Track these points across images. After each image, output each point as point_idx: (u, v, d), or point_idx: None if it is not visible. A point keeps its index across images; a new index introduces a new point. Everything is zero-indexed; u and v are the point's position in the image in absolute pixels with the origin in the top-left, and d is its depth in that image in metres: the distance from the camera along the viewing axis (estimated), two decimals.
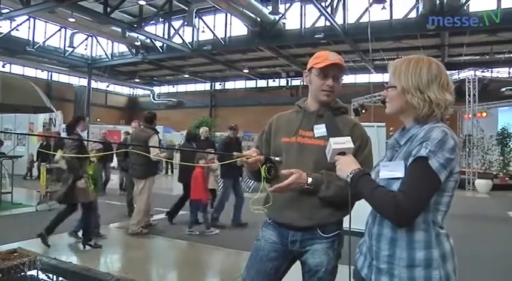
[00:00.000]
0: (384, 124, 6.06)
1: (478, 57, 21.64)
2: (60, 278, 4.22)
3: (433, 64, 1.51)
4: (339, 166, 1.62)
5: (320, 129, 1.94)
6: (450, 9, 15.46)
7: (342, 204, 1.90)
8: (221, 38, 21.27)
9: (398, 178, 1.42)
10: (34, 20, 22.30)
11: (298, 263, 2.06)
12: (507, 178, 14.80)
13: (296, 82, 29.20)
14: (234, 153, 2.00)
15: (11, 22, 20.10)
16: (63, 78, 30.92)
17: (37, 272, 4.25)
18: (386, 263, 1.47)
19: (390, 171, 1.47)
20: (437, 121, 1.47)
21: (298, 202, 1.93)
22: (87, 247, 5.25)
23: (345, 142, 1.66)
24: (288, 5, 19.23)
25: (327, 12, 16.36)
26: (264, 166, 1.95)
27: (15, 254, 4.49)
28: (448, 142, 1.38)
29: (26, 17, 20.73)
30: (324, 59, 1.97)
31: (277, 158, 1.99)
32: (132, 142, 6.96)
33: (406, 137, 1.52)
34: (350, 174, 1.54)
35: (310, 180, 1.88)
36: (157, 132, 6.42)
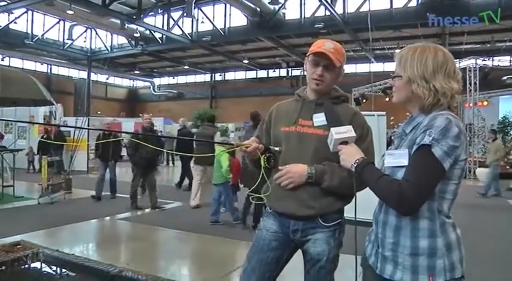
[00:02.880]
0: (384, 113, 6.05)
1: (479, 45, 21.54)
2: (63, 270, 4.27)
3: (439, 52, 1.49)
4: (342, 156, 1.61)
5: (319, 118, 1.93)
6: None
7: (343, 193, 1.90)
8: (221, 29, 21.16)
9: (403, 166, 1.42)
10: (32, 13, 22.17)
11: (299, 252, 2.07)
12: (508, 167, 14.79)
13: (296, 72, 29.14)
14: (234, 142, 2.00)
15: (8, 15, 20.00)
16: (63, 71, 30.87)
17: (40, 264, 4.30)
18: (391, 250, 1.47)
19: (395, 159, 1.46)
20: (443, 109, 1.46)
21: (299, 192, 1.92)
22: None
23: (347, 131, 1.64)
24: None
25: (327, 2, 16.25)
26: (263, 156, 1.96)
27: (18, 246, 4.54)
28: (452, 130, 1.36)
29: (24, 9, 20.62)
30: (316, 47, 1.96)
31: (276, 148, 1.99)
32: (198, 138, 7.86)
33: (412, 125, 1.51)
34: (354, 164, 1.53)
35: (310, 169, 1.88)
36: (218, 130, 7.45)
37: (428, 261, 1.40)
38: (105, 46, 26.03)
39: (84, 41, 26.04)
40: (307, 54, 2.01)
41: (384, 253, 1.50)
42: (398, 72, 1.53)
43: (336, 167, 1.83)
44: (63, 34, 24.20)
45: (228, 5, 20.44)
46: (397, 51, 1.59)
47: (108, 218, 6.70)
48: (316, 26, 18.25)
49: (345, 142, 1.63)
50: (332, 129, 1.66)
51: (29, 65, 27.58)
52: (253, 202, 6.43)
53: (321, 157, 1.89)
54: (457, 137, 1.37)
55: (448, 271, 1.40)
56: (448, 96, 1.46)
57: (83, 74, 29.04)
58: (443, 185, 1.42)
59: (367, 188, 1.51)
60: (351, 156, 1.57)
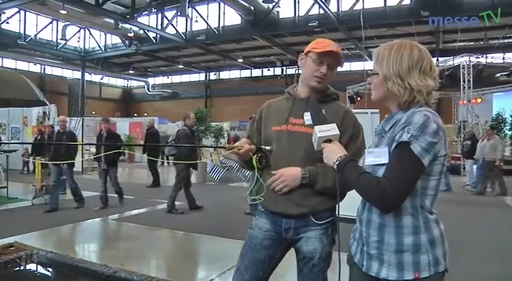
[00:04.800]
0: (377, 111, 6.05)
1: (472, 43, 21.64)
2: (58, 272, 4.25)
3: (414, 49, 1.49)
4: (325, 154, 1.62)
5: (309, 116, 1.93)
6: None
7: (335, 192, 1.90)
8: (215, 28, 21.13)
9: (383, 164, 1.43)
10: (25, 13, 22.04)
11: (292, 250, 2.07)
12: (502, 163, 14.85)
13: (291, 71, 29.18)
14: (226, 145, 1.99)
15: (0, 15, 19.87)
16: (57, 71, 30.73)
17: (36, 266, 4.28)
18: (376, 248, 1.49)
19: (375, 157, 1.48)
20: (421, 106, 1.47)
21: (290, 191, 1.92)
22: None
23: (330, 129, 1.65)
24: None
25: (321, 0, 16.26)
26: (255, 156, 1.95)
27: (11, 248, 4.52)
28: (430, 126, 1.37)
29: (16, 9, 20.49)
30: (323, 46, 1.96)
31: (267, 148, 1.99)
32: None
33: (391, 123, 1.52)
34: (336, 161, 1.54)
35: (304, 171, 1.88)
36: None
37: (413, 257, 1.42)
38: (99, 46, 25.92)
39: (78, 41, 25.93)
40: (308, 51, 2.00)
41: (369, 251, 1.51)
42: (376, 69, 1.54)
43: (328, 168, 1.83)
44: (57, 34, 24.06)
45: (222, 4, 20.41)
46: (375, 49, 1.59)
47: (102, 218, 6.67)
48: (310, 24, 18.27)
49: (328, 140, 1.64)
50: (316, 127, 1.67)
51: (22, 65, 27.43)
52: (250, 202, 6.50)
53: (312, 155, 1.88)
54: (435, 133, 1.38)
55: (432, 265, 1.42)
56: (423, 94, 1.46)
57: (77, 74, 28.92)
58: (425, 181, 1.43)
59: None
60: (333, 153, 1.58)
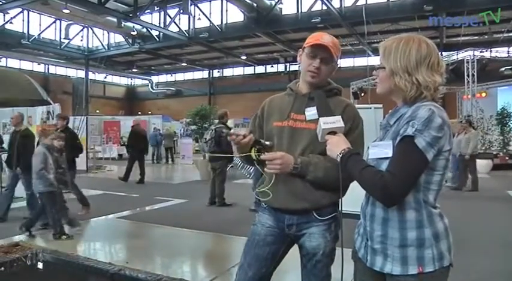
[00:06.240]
0: (381, 106, 6.02)
1: (476, 37, 21.51)
2: (63, 270, 4.27)
3: (422, 44, 1.47)
4: (328, 146, 1.60)
5: (311, 112, 1.90)
6: None
7: (336, 185, 1.89)
8: (218, 25, 21.13)
9: (387, 158, 1.42)
10: (28, 13, 22.12)
11: (296, 246, 2.06)
12: (507, 158, 14.80)
13: (294, 67, 29.13)
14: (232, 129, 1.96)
15: (4, 15, 19.95)
16: (60, 70, 30.85)
17: (41, 265, 4.30)
18: (380, 243, 1.48)
19: (379, 151, 1.47)
20: (427, 100, 1.45)
21: (291, 186, 1.92)
22: None
23: (335, 121, 1.63)
24: None
25: None
26: (253, 148, 1.93)
27: (17, 247, 4.54)
28: (435, 120, 1.36)
29: (20, 9, 20.54)
30: (315, 39, 1.94)
31: (267, 142, 1.96)
32: None
33: (396, 116, 1.51)
34: (339, 154, 1.53)
35: (296, 161, 1.86)
36: None
37: (417, 252, 1.41)
38: (102, 45, 25.99)
39: (81, 40, 26.00)
40: (303, 46, 1.99)
41: (373, 246, 1.50)
42: (382, 63, 1.53)
43: (320, 158, 1.82)
44: (60, 33, 24.14)
45: (224, 1, 20.38)
46: (382, 42, 1.57)
47: (107, 216, 6.69)
48: (313, 20, 18.23)
49: (333, 132, 1.62)
50: (321, 119, 1.66)
51: (26, 65, 27.55)
52: (257, 197, 6.47)
53: (313, 151, 1.88)
54: (440, 128, 1.37)
55: (437, 260, 1.41)
56: (431, 89, 1.45)
57: (81, 73, 29.02)
58: (428, 175, 1.42)
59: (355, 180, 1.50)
60: (336, 146, 1.56)
